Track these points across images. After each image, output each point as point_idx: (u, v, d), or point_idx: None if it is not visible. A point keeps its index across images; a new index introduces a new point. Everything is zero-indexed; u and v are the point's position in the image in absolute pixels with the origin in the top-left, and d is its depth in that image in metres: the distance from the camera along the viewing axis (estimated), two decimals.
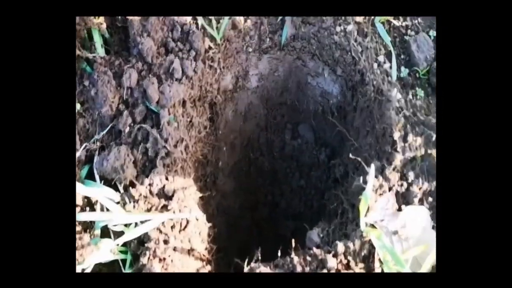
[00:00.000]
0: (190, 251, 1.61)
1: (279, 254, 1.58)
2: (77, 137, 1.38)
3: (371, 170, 1.33)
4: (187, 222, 1.62)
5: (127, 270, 1.41)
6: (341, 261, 1.48)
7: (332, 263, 1.49)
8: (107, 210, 1.45)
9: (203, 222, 1.72)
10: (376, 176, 1.59)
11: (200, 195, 1.81)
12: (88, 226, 1.50)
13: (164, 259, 1.46)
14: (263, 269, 1.31)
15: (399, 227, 1.64)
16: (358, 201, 1.69)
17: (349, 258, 1.51)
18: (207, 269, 1.63)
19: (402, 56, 1.69)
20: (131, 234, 1.40)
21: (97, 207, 1.50)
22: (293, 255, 1.39)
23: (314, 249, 1.59)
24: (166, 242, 1.53)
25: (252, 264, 1.46)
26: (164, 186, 1.61)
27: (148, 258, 1.46)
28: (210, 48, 1.79)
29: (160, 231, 1.55)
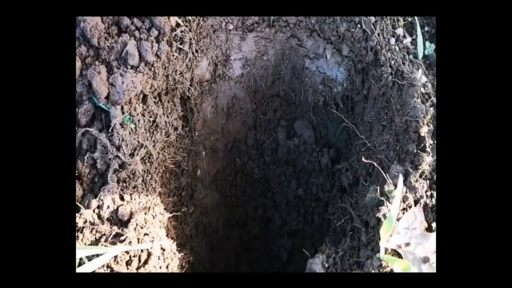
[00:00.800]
0: None
1: None
2: None
3: (399, 181, 0.94)
4: (149, 255, 1.22)
5: None
6: None
7: None
8: None
9: (172, 252, 1.33)
10: (395, 185, 1.21)
11: (170, 215, 1.42)
12: None
13: None
14: None
15: (430, 252, 1.26)
16: (374, 220, 1.30)
17: None
18: None
19: (427, 28, 1.30)
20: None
21: None
22: None
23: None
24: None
25: None
26: (117, 209, 1.22)
27: None
28: (178, 25, 1.39)
29: (111, 269, 1.16)
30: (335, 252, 1.35)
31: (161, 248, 1.31)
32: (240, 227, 1.98)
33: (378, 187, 1.15)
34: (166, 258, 1.31)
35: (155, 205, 1.40)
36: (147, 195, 1.36)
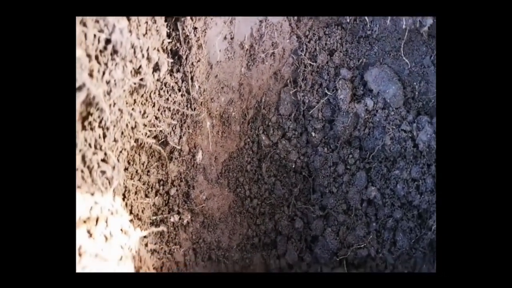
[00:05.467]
0: None
1: None
2: None
3: None
4: None
5: None
6: None
7: None
8: None
9: None
10: None
11: (144, 232, 0.93)
12: None
13: None
14: None
15: None
16: None
17: None
18: None
19: None
20: None
21: None
22: None
23: None
24: None
25: None
26: None
27: None
28: None
29: None
30: None
31: None
32: (265, 248, 1.35)
33: None
34: None
35: (112, 213, 0.80)
36: (92, 193, 0.78)
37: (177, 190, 1.14)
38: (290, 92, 1.34)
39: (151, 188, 1.08)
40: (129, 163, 1.01)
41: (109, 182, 0.84)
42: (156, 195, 1.09)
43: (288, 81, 1.36)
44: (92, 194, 0.83)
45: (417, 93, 1.29)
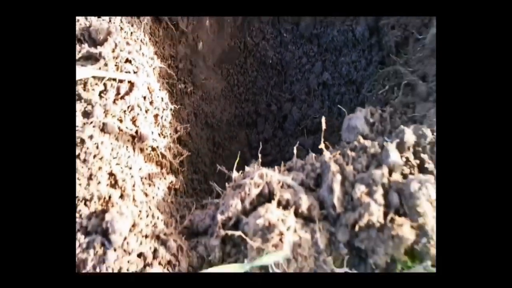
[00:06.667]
0: (135, 140, 0.91)
1: (294, 151, 0.99)
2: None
3: None
4: (131, 86, 0.92)
5: None
6: (410, 163, 0.91)
7: (396, 157, 0.83)
8: None
9: (164, 102, 1.03)
10: None
11: (162, 65, 1.12)
12: None
13: (83, 141, 0.81)
14: (271, 175, 0.89)
15: None
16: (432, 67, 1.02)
17: (424, 156, 0.92)
18: (166, 183, 0.97)
19: None
20: None
21: None
22: (325, 153, 0.93)
23: (360, 138, 0.91)
24: (87, 114, 0.85)
25: (248, 170, 0.95)
26: (90, 25, 0.92)
27: None
28: None
29: (79, 97, 0.86)
30: (381, 110, 1.05)
31: (148, 88, 1.00)
32: (248, 126, 1.68)
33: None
34: (154, 102, 1.01)
35: (143, 43, 1.10)
36: (132, 25, 1.06)
37: (183, 65, 1.44)
38: None
39: (165, 59, 1.37)
40: (151, 34, 1.27)
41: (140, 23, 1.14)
42: (168, 65, 1.36)
43: None
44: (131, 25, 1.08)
45: None
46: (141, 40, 1.10)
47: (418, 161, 0.92)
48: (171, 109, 1.07)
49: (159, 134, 1.05)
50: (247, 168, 0.97)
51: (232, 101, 1.64)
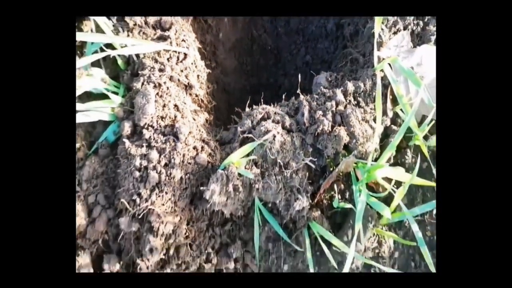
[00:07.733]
0: (187, 88, 1.55)
1: (283, 97, 1.55)
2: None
3: None
4: (185, 56, 1.56)
5: (119, 101, 1.41)
6: (350, 101, 1.45)
7: (340, 97, 1.45)
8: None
9: (202, 67, 1.67)
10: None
11: (199, 45, 1.76)
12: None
13: (160, 85, 1.42)
14: (269, 108, 1.35)
15: (414, 64, 1.60)
16: (370, 47, 1.65)
17: (359, 98, 1.47)
18: (204, 116, 1.58)
19: None
20: (123, 50, 1.36)
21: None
22: (300, 96, 1.40)
23: (322, 88, 1.55)
24: (161, 70, 1.48)
25: (255, 107, 1.44)
26: (160, 18, 1.56)
27: (142, 83, 1.42)
28: None
29: (156, 60, 1.50)
30: (336, 73, 1.70)
31: (194, 58, 1.65)
32: (254, 93, 2.20)
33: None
34: (198, 66, 1.65)
35: (188, 31, 1.73)
36: (182, 19, 1.71)
37: (209, 48, 1.97)
38: None
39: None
40: (190, 25, 1.94)
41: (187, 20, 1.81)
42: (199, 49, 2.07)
43: None
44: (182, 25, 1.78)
45: None
46: (187, 29, 1.74)
47: (355, 101, 1.57)
48: (206, 72, 1.72)
49: (199, 87, 1.69)
50: (254, 106, 1.62)
51: (242, 75, 2.17)
